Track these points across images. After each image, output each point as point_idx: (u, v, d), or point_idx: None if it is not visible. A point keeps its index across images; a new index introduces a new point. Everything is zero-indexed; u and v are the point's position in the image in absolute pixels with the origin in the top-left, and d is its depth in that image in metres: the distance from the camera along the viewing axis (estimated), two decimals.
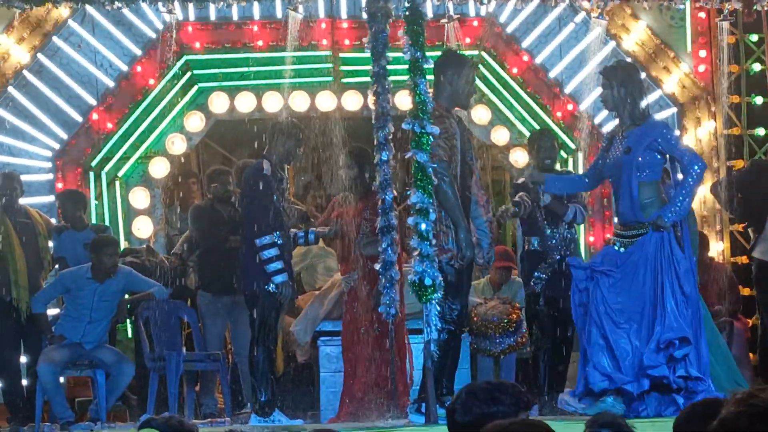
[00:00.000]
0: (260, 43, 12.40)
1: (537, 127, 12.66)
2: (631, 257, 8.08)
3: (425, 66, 7.67)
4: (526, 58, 12.59)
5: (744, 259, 12.00)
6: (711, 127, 12.43)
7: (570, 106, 12.52)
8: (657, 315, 7.95)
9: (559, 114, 12.59)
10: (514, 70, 12.62)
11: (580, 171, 12.55)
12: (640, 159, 8.09)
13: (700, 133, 12.47)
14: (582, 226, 12.13)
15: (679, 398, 7.83)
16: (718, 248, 12.26)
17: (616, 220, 9.03)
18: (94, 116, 12.17)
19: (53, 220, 11.35)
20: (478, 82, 12.70)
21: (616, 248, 8.19)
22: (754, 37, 12.65)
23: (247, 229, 9.19)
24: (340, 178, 9.41)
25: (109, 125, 12.21)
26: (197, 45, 12.42)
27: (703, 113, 12.46)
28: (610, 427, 4.36)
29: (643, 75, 12.20)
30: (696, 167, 8.10)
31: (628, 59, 12.34)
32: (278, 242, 9.01)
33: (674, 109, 12.46)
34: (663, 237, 8.02)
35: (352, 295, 9.37)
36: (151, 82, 12.32)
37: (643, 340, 7.93)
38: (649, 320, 7.96)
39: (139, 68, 12.27)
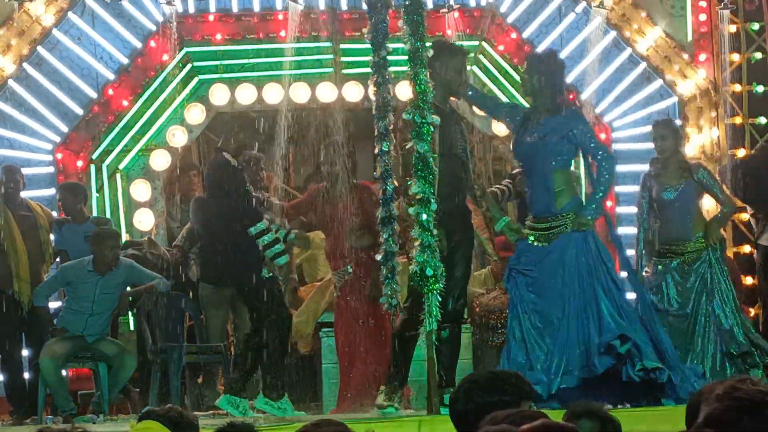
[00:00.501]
0: (260, 34, 12.37)
1: None
2: (549, 256, 8.08)
3: (425, 56, 7.64)
4: (526, 48, 12.56)
5: (745, 249, 11.99)
6: (712, 117, 12.41)
7: (571, 96, 12.48)
8: (590, 318, 7.95)
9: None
10: (515, 61, 12.59)
11: (581, 162, 12.53)
12: (555, 146, 8.09)
13: (701, 123, 12.45)
14: None
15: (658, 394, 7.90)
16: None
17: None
18: (95, 108, 12.14)
19: (54, 213, 11.34)
20: (478, 72, 12.71)
21: (531, 241, 8.18)
22: (755, 26, 12.62)
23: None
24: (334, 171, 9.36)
25: (110, 117, 12.18)
26: (197, 37, 12.39)
27: (705, 102, 12.44)
28: (587, 416, 4.36)
29: (643, 65, 12.31)
30: (606, 165, 8.10)
31: (628, 49, 12.36)
32: (271, 227, 9.04)
33: (675, 99, 12.43)
34: (586, 236, 8.02)
35: (345, 289, 9.34)
36: (152, 74, 12.29)
37: (567, 343, 7.93)
38: (579, 323, 7.96)
39: (139, 60, 12.25)
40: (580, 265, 7.97)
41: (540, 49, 12.47)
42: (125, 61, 12.20)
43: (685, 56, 12.46)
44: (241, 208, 9.49)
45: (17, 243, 10.57)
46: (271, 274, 9.36)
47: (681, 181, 9.15)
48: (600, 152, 8.25)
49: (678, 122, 12.25)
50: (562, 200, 8.07)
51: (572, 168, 8.59)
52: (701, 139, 12.41)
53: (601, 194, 8.14)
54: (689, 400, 3.97)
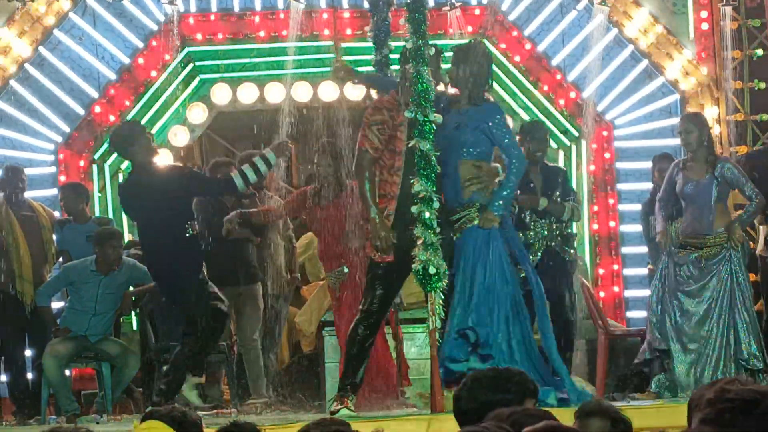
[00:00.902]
0: (262, 33, 12.37)
1: (540, 115, 12.64)
2: (462, 249, 8.04)
3: (427, 54, 7.62)
4: (528, 46, 12.56)
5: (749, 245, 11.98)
6: (714, 113, 12.40)
7: (573, 94, 12.48)
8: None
9: (561, 102, 12.55)
10: (517, 59, 12.58)
11: (584, 159, 12.53)
12: (468, 136, 8.03)
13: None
14: (585, 216, 12.12)
15: None
16: None
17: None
18: (97, 109, 12.15)
19: (56, 214, 11.34)
20: None
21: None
22: (757, 23, 12.61)
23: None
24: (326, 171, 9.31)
25: (112, 118, 12.18)
26: (199, 36, 12.39)
27: (706, 99, 12.43)
28: (598, 415, 4.36)
29: (645, 63, 12.30)
30: (516, 162, 8.03)
31: (630, 46, 12.35)
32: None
33: (677, 96, 12.43)
34: (489, 235, 7.97)
35: (344, 290, 9.29)
36: (153, 74, 12.30)
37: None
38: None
39: (141, 60, 12.25)
40: (486, 259, 7.92)
41: (542, 47, 12.48)
42: (127, 61, 12.21)
43: (687, 53, 12.45)
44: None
45: (20, 243, 10.58)
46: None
47: (704, 175, 9.12)
48: (513, 150, 8.10)
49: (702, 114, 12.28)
50: (469, 191, 7.97)
51: (493, 164, 8.45)
52: None
53: (507, 191, 8.00)
54: (690, 398, 3.97)
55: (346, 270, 9.25)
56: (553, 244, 9.61)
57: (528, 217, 9.58)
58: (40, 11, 11.98)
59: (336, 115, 9.94)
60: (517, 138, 9.53)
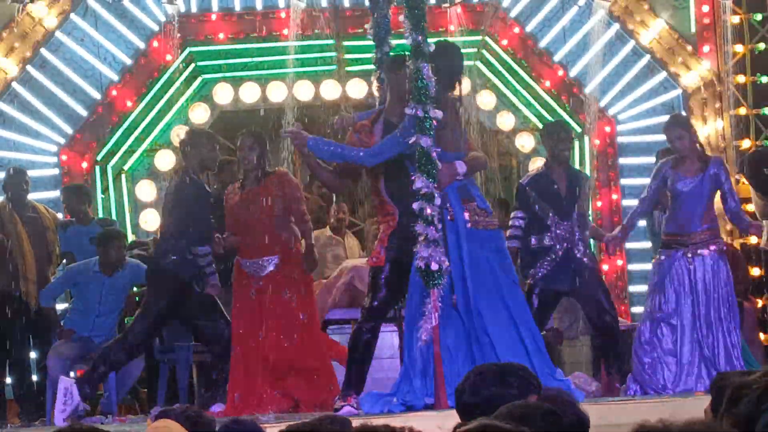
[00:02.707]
0: (263, 33, 12.37)
1: (542, 111, 12.64)
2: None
3: (427, 51, 7.60)
4: (529, 42, 12.55)
5: (752, 240, 11.95)
6: (717, 108, 12.39)
7: (575, 90, 12.48)
8: None
9: (563, 98, 12.54)
10: (518, 55, 12.57)
11: (587, 155, 12.53)
12: None
13: (706, 114, 12.43)
14: (589, 211, 12.13)
15: None
16: (726, 228, 12.21)
17: None
18: (99, 110, 12.15)
19: (59, 215, 11.34)
20: (482, 67, 12.71)
21: None
22: (759, 16, 12.60)
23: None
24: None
25: (114, 118, 12.19)
26: (200, 36, 12.40)
27: (709, 94, 12.42)
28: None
29: (647, 58, 12.30)
30: (362, 153, 7.89)
31: (632, 42, 12.34)
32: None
33: (679, 91, 12.42)
34: None
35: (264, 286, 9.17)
36: (155, 74, 12.30)
37: None
38: None
39: (142, 61, 12.25)
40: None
41: (543, 43, 12.48)
42: (128, 61, 12.21)
43: (689, 48, 12.45)
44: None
45: (24, 245, 10.58)
46: None
47: (697, 173, 9.09)
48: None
49: (683, 114, 12.25)
50: None
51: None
52: (706, 131, 12.39)
53: (334, 148, 7.95)
54: (712, 386, 3.96)
55: (276, 261, 9.07)
56: (570, 246, 9.52)
57: (549, 220, 9.49)
58: (41, 13, 11.98)
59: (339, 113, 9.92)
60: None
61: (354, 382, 8.03)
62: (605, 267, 12.21)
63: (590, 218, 10.06)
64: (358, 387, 8.01)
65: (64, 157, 12.08)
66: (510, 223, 9.62)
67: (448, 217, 7.70)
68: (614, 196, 12.40)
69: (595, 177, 12.39)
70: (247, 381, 8.91)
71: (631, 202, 12.14)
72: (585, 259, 9.47)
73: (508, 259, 8.07)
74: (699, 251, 9.02)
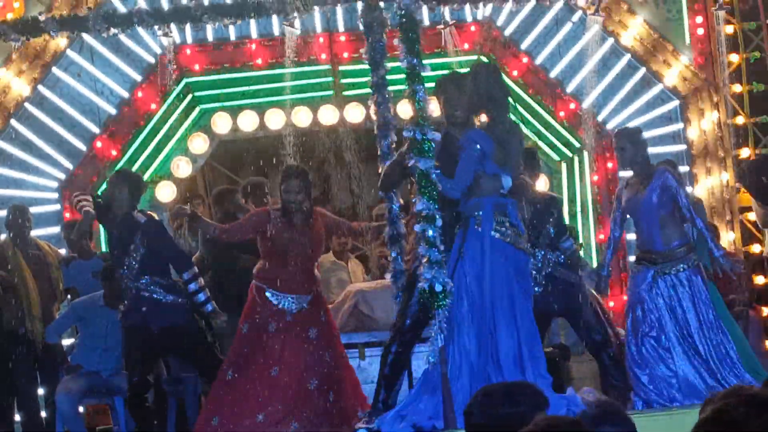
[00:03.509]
0: (259, 61, 12.41)
1: (541, 128, 12.67)
2: None
3: (422, 73, 7.62)
4: (525, 59, 12.59)
5: (754, 248, 11.97)
6: (714, 118, 12.41)
7: (572, 105, 12.50)
8: None
9: (562, 114, 12.57)
10: (515, 73, 12.61)
11: (586, 169, 12.55)
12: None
13: (704, 124, 12.45)
14: (591, 225, 12.15)
15: None
16: (729, 238, 12.22)
17: None
18: (98, 144, 12.17)
19: (62, 251, 11.36)
20: None
21: None
22: (752, 25, 12.63)
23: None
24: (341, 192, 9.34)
25: (114, 152, 12.21)
26: (196, 67, 12.43)
27: (706, 104, 12.44)
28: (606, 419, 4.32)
29: (643, 70, 12.33)
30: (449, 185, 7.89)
31: (627, 55, 12.38)
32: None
33: (677, 102, 12.44)
34: None
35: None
36: (153, 106, 12.33)
37: None
38: None
39: (140, 93, 12.28)
40: None
41: (539, 60, 12.51)
42: (126, 95, 12.23)
43: (684, 59, 12.47)
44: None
45: (28, 282, 10.59)
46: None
47: (643, 189, 8.88)
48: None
49: (680, 125, 12.27)
50: None
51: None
52: (704, 141, 12.41)
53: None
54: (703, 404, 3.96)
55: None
56: (548, 270, 9.47)
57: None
58: (38, 49, 12.01)
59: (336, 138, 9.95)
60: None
61: (380, 400, 8.08)
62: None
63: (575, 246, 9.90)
64: (386, 406, 8.01)
65: (65, 193, 12.09)
66: None
67: (475, 225, 7.69)
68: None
69: (596, 191, 12.41)
70: (232, 411, 8.87)
71: None
72: (571, 280, 9.43)
73: (530, 283, 8.01)
74: (667, 271, 8.82)
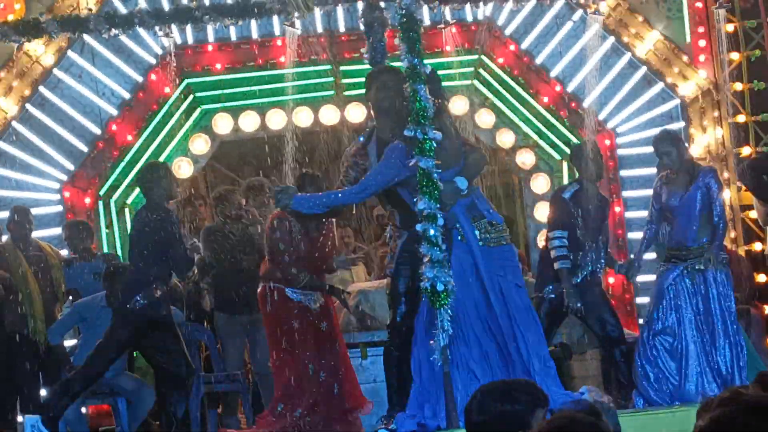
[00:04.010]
0: (260, 61, 12.40)
1: (541, 127, 12.67)
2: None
3: (424, 72, 7.62)
4: (525, 59, 12.58)
5: (756, 246, 11.97)
6: (715, 116, 12.41)
7: (573, 104, 12.50)
8: None
9: (562, 113, 12.57)
10: (515, 72, 12.60)
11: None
12: None
13: (705, 123, 12.45)
14: None
15: None
16: (730, 236, 12.22)
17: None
18: (100, 145, 12.17)
19: (64, 252, 11.36)
20: (479, 86, 12.75)
21: None
22: (753, 23, 12.63)
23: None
24: None
25: (115, 153, 12.21)
26: (197, 67, 12.43)
27: (706, 103, 12.44)
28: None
29: (644, 69, 12.33)
30: (341, 195, 7.95)
31: (628, 54, 12.38)
32: None
33: (677, 101, 12.44)
34: None
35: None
36: (154, 107, 12.33)
37: None
38: None
39: (141, 95, 12.28)
40: None
41: (539, 60, 12.51)
42: (127, 96, 12.24)
43: (685, 58, 12.47)
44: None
45: (30, 283, 10.60)
46: None
47: (688, 187, 9.09)
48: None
49: (681, 124, 12.27)
50: None
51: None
52: (706, 140, 12.42)
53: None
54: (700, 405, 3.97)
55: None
56: (594, 269, 9.52)
57: (582, 238, 9.45)
58: (38, 51, 12.02)
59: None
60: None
61: (395, 402, 8.06)
62: (611, 280, 12.20)
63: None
64: (400, 406, 7.99)
65: (66, 194, 12.09)
66: (555, 243, 9.37)
67: (459, 238, 7.69)
68: (617, 209, 12.39)
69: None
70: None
71: (634, 214, 12.19)
72: (590, 277, 9.48)
73: (519, 273, 8.00)
74: (698, 266, 9.01)
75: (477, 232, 7.69)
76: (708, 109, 12.43)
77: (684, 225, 9.05)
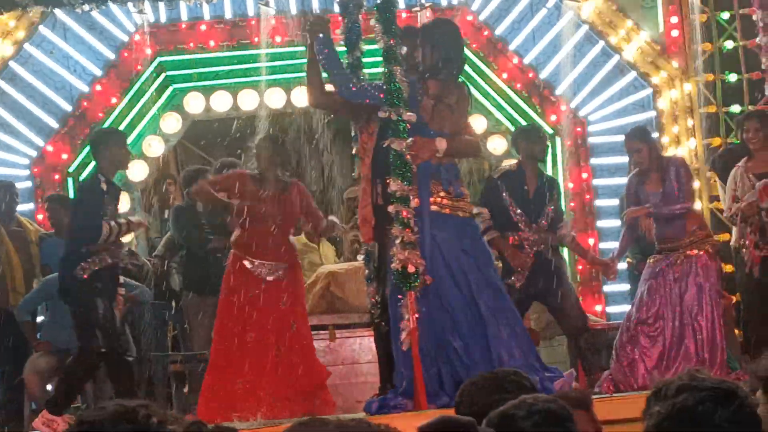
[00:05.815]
0: (234, 41, 12.35)
1: (514, 113, 12.68)
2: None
3: (399, 53, 7.61)
4: (500, 45, 12.58)
5: (725, 236, 12.02)
6: (687, 106, 12.45)
7: (546, 92, 12.51)
8: None
9: (535, 100, 12.58)
10: (489, 58, 12.60)
11: (559, 156, 12.57)
12: None
13: (676, 113, 12.49)
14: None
15: None
16: None
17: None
18: (71, 122, 12.10)
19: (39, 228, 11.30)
20: None
21: None
22: (726, 15, 12.67)
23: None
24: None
25: (85, 130, 12.14)
26: (170, 46, 12.37)
27: (678, 92, 12.47)
28: None
29: (617, 58, 12.36)
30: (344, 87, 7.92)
31: (601, 42, 12.40)
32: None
33: (649, 90, 12.47)
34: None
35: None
36: (125, 85, 12.26)
37: None
38: None
39: (113, 72, 12.21)
40: None
41: (513, 46, 12.51)
42: (99, 73, 12.16)
43: (657, 47, 12.50)
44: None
45: (12, 258, 10.54)
46: None
47: (663, 183, 9.16)
48: None
49: (653, 113, 12.30)
50: None
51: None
52: (676, 129, 12.46)
53: None
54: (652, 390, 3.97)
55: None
56: (540, 250, 9.53)
57: (517, 219, 9.50)
58: (10, 25, 11.94)
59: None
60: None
61: (385, 377, 8.06)
62: (580, 267, 12.23)
63: (573, 233, 10.11)
64: (390, 382, 7.97)
65: (36, 170, 12.02)
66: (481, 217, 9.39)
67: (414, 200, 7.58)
68: (587, 197, 12.43)
69: (568, 178, 12.43)
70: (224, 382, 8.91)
71: (604, 202, 12.22)
72: (553, 262, 9.52)
73: (485, 250, 7.99)
74: (686, 254, 9.09)
75: (431, 198, 7.65)
76: (678, 99, 12.46)
77: (671, 220, 9.13)
